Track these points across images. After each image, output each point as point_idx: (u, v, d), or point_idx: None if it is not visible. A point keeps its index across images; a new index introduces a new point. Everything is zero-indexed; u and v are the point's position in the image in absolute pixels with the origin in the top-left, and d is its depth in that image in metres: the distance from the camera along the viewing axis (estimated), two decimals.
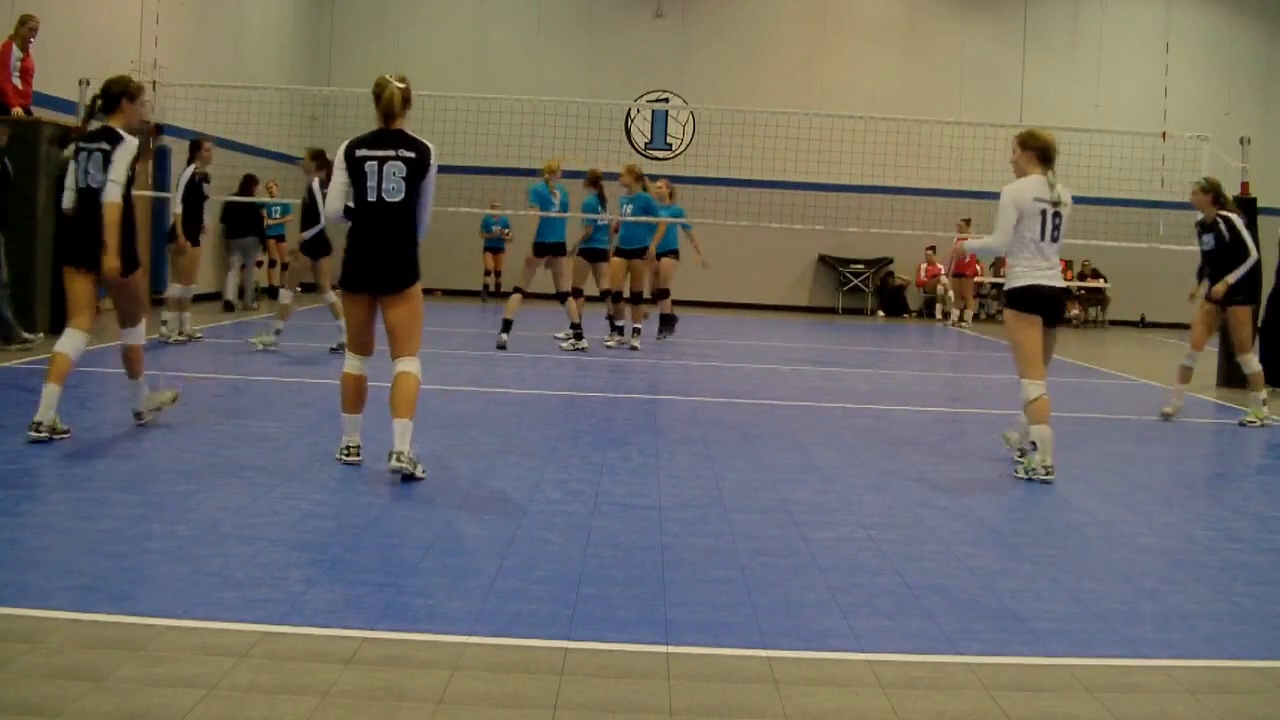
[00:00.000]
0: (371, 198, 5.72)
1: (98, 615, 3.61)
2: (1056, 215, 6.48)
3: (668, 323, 14.31)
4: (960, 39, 22.54)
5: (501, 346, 11.98)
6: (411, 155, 5.74)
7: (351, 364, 5.96)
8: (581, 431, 7.55)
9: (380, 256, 5.76)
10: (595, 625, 3.76)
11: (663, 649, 3.57)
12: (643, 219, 12.83)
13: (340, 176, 5.81)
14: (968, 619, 4.00)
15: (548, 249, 12.06)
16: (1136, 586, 4.54)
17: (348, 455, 5.98)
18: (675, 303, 18.29)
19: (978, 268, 20.73)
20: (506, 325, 12.18)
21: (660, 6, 22.34)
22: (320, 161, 11.13)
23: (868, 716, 3.18)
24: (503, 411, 8.21)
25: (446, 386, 9.06)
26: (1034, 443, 6.51)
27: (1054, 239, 6.50)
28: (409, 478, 5.67)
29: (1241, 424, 8.98)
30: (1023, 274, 6.50)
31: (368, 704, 3.07)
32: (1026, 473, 6.43)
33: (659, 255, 13.61)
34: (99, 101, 6.69)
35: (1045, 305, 6.53)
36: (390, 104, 5.79)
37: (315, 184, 10.89)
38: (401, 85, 5.83)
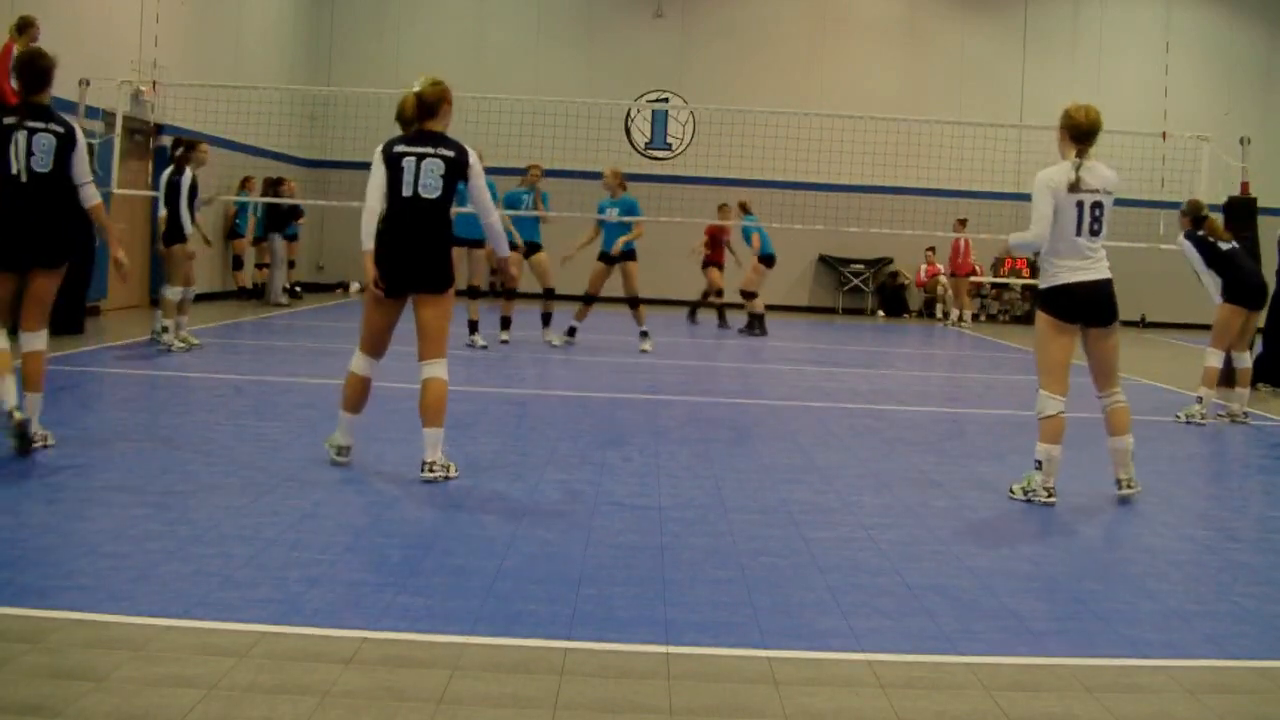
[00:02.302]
0: (408, 193, 5.66)
1: (98, 615, 3.61)
2: (1096, 206, 5.80)
3: (758, 321, 15.83)
4: (960, 39, 22.53)
5: (473, 346, 11.92)
6: (450, 154, 5.71)
7: (361, 364, 5.92)
8: (581, 431, 7.55)
9: (418, 254, 5.71)
10: (595, 625, 3.76)
11: (663, 649, 3.57)
12: (626, 219, 12.74)
13: (379, 172, 5.70)
14: (968, 619, 4.00)
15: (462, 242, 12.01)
16: (1136, 586, 4.53)
17: (339, 455, 5.94)
18: (674, 302, 18.32)
19: (976, 267, 20.73)
20: (473, 326, 12.12)
21: (660, 6, 22.32)
22: (184, 150, 11.13)
23: (868, 716, 3.18)
24: (503, 411, 8.21)
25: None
26: (1038, 461, 5.85)
27: (1094, 231, 5.81)
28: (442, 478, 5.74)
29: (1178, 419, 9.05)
30: (1055, 273, 5.85)
31: (368, 704, 3.07)
32: (1025, 494, 5.88)
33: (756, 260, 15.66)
34: (45, 72, 5.96)
35: (1083, 307, 5.86)
36: (402, 110, 5.76)
37: (169, 172, 10.94)
38: (418, 90, 5.73)
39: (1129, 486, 5.94)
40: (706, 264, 17.00)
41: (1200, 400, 9.09)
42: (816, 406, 9.45)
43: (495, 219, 5.98)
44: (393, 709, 3.05)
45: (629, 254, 12.56)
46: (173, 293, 10.70)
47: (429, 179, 5.66)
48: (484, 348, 11.83)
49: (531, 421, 7.81)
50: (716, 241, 16.88)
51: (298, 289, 19.10)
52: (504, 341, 12.20)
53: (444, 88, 5.78)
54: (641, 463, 6.49)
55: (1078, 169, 5.84)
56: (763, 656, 3.55)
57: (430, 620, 3.72)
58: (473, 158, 5.77)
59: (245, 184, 17.06)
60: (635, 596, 4.07)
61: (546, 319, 12.84)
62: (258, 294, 17.84)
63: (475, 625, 3.69)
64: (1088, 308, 5.89)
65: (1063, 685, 3.45)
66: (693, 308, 17.76)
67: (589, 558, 4.53)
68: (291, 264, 18.98)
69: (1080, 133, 5.88)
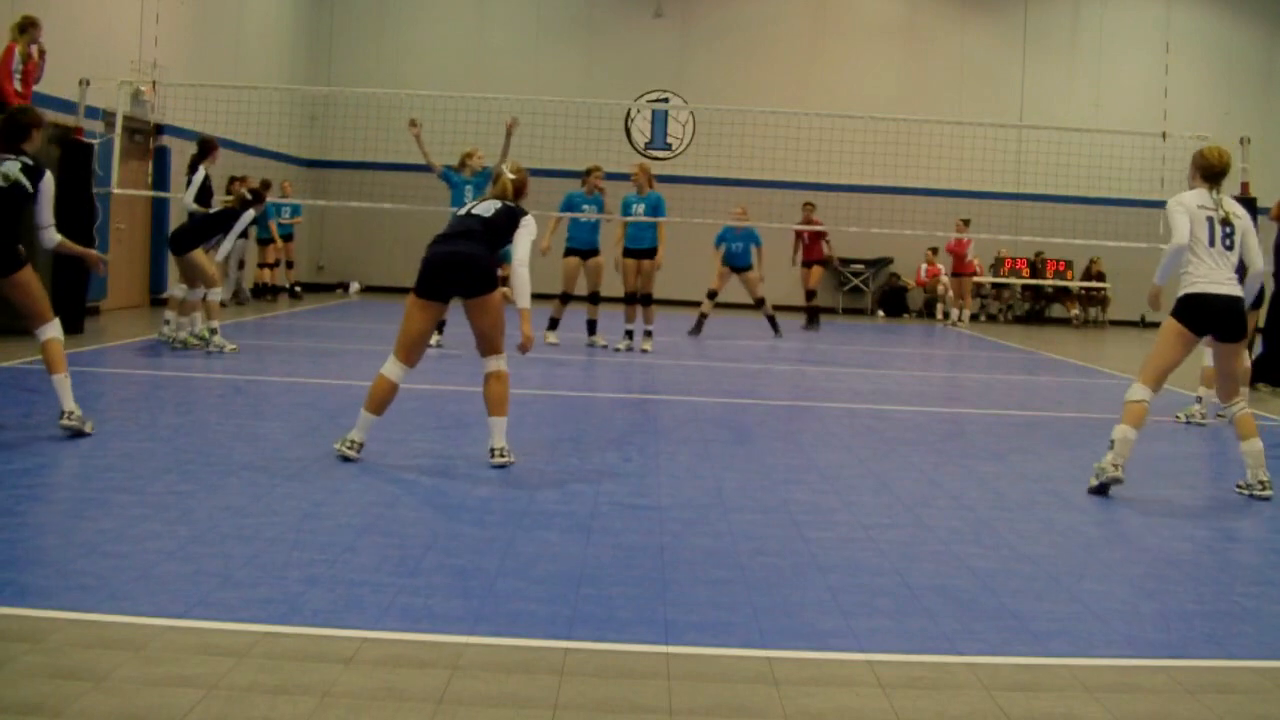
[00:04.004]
0: (462, 211, 6.30)
1: (98, 615, 3.61)
2: (1226, 225, 6.19)
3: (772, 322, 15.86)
4: (960, 39, 22.54)
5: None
6: (511, 204, 6.32)
7: (394, 370, 6.10)
8: (581, 431, 7.55)
9: (464, 261, 6.05)
10: (595, 625, 3.76)
11: (663, 649, 3.57)
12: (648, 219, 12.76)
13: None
14: (968, 619, 4.00)
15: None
16: (1136, 586, 4.54)
17: (349, 447, 6.06)
18: (675, 302, 18.30)
19: (976, 266, 20.74)
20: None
21: (660, 6, 22.33)
22: (205, 149, 11.11)
23: (868, 716, 3.17)
24: None
25: (447, 386, 9.06)
26: (1111, 440, 6.12)
27: (1226, 246, 6.17)
28: (501, 466, 6.13)
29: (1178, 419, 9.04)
30: (1193, 281, 6.13)
31: (368, 704, 3.07)
32: (1097, 475, 6.16)
33: (745, 269, 15.50)
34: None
35: (1216, 319, 6.14)
36: (504, 189, 6.41)
37: (202, 171, 10.97)
38: (514, 176, 6.41)
39: (1266, 489, 6.21)
40: (808, 264, 17.49)
41: (1200, 400, 9.09)
42: (816, 406, 9.45)
43: (525, 271, 6.20)
44: (393, 709, 3.05)
45: (651, 251, 12.68)
46: (214, 294, 10.72)
47: (485, 206, 6.26)
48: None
49: (532, 421, 7.80)
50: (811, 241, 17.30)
51: (297, 289, 19.11)
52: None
53: (525, 174, 6.51)
54: (641, 463, 6.49)
55: (1217, 200, 6.28)
56: (763, 656, 3.55)
57: (430, 620, 3.72)
58: (527, 218, 6.27)
59: (232, 184, 17.06)
60: (635, 596, 4.07)
61: (592, 326, 12.85)
62: (256, 294, 17.84)
63: (475, 625, 3.69)
64: (1220, 320, 6.16)
65: (1063, 685, 3.45)
66: (812, 313, 17.74)
67: (589, 558, 4.53)
68: (290, 264, 18.99)
69: (1212, 172, 6.32)
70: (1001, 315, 22.52)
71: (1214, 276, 6.13)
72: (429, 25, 22.06)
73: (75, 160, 11.82)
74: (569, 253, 12.64)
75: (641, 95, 21.95)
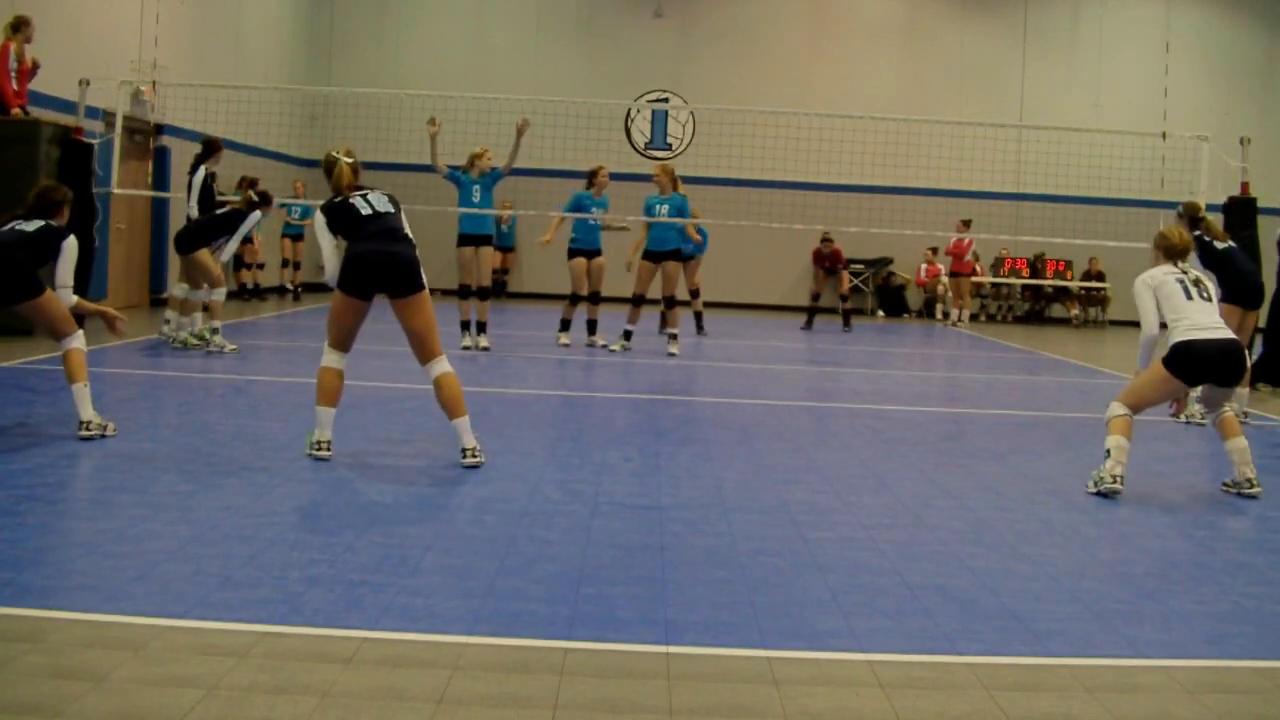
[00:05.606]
0: (367, 211, 6.18)
1: (98, 615, 3.61)
2: (1198, 284, 6.26)
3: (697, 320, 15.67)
4: (960, 39, 22.53)
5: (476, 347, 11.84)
6: (388, 192, 6.40)
7: (334, 359, 6.19)
8: (581, 431, 7.55)
9: (391, 260, 6.07)
10: (595, 625, 3.76)
11: (663, 649, 3.57)
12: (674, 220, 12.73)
13: (328, 236, 6.21)
14: (968, 619, 4.00)
15: (469, 240, 11.85)
16: (1136, 586, 4.54)
17: (319, 450, 6.07)
18: (676, 302, 18.26)
19: (976, 267, 20.74)
20: (480, 327, 12.01)
21: (660, 6, 22.33)
22: (210, 149, 11.14)
23: (868, 716, 3.18)
24: (503, 411, 8.20)
25: None
26: (1107, 450, 6.13)
27: (1205, 298, 6.22)
28: (473, 466, 6.06)
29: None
30: (1181, 330, 6.15)
31: (368, 704, 3.07)
32: (1095, 484, 6.13)
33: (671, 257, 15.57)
34: None
35: (1206, 366, 6.13)
36: (340, 177, 6.33)
37: (202, 172, 11.03)
38: (350, 160, 6.38)
39: (1254, 486, 6.29)
40: (831, 270, 18.03)
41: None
42: (816, 406, 9.45)
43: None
44: (393, 709, 3.05)
45: (674, 254, 12.67)
46: (217, 294, 10.73)
47: (379, 201, 6.26)
48: (486, 349, 11.81)
49: (532, 421, 7.81)
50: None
51: (299, 290, 19.10)
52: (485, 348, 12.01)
53: (355, 159, 6.47)
54: (641, 463, 6.49)
55: (1179, 268, 6.39)
56: (763, 656, 3.55)
57: (430, 620, 3.72)
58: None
59: (242, 184, 17.06)
60: (635, 596, 4.07)
61: (592, 326, 12.83)
62: (256, 293, 17.80)
63: (475, 625, 3.69)
64: (1214, 367, 6.17)
65: (1063, 685, 3.45)
66: (845, 315, 18.02)
67: (589, 558, 4.53)
68: (298, 265, 18.98)
69: (1174, 251, 6.43)
70: (1001, 315, 22.52)
71: (1201, 322, 6.14)
72: (429, 25, 22.06)
73: (75, 160, 11.82)
74: (575, 253, 12.59)
75: (641, 95, 21.94)
